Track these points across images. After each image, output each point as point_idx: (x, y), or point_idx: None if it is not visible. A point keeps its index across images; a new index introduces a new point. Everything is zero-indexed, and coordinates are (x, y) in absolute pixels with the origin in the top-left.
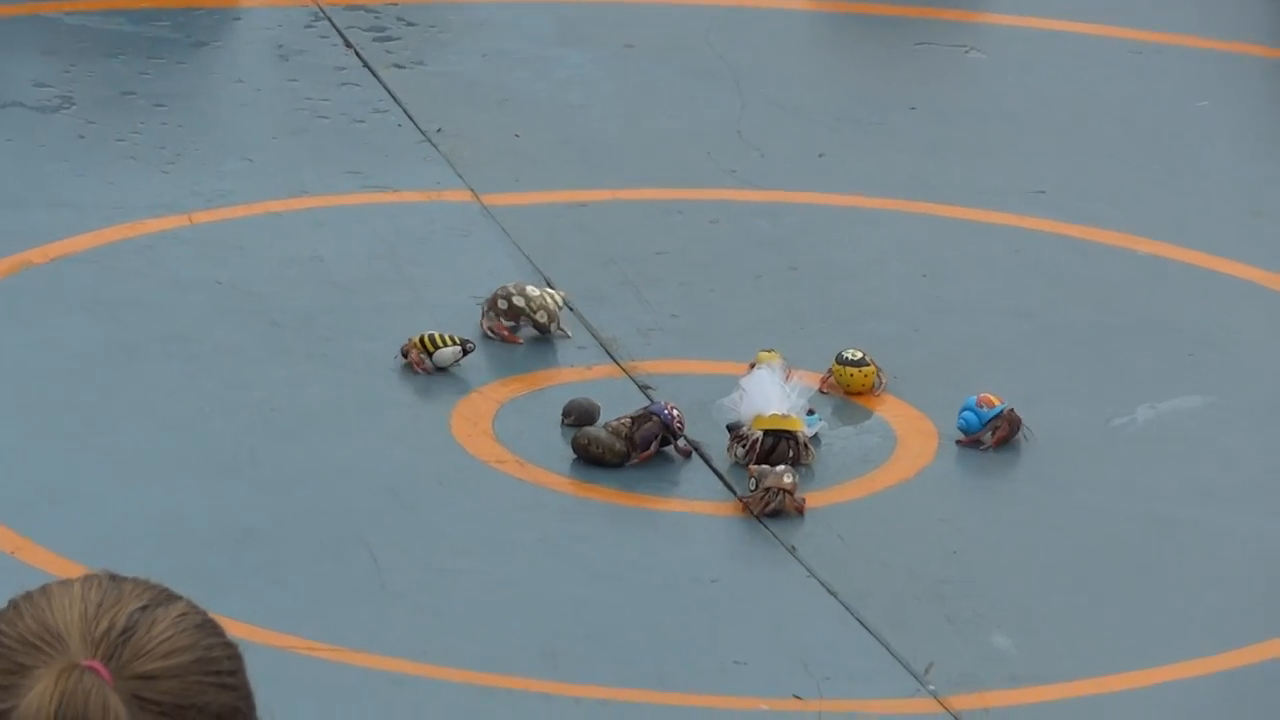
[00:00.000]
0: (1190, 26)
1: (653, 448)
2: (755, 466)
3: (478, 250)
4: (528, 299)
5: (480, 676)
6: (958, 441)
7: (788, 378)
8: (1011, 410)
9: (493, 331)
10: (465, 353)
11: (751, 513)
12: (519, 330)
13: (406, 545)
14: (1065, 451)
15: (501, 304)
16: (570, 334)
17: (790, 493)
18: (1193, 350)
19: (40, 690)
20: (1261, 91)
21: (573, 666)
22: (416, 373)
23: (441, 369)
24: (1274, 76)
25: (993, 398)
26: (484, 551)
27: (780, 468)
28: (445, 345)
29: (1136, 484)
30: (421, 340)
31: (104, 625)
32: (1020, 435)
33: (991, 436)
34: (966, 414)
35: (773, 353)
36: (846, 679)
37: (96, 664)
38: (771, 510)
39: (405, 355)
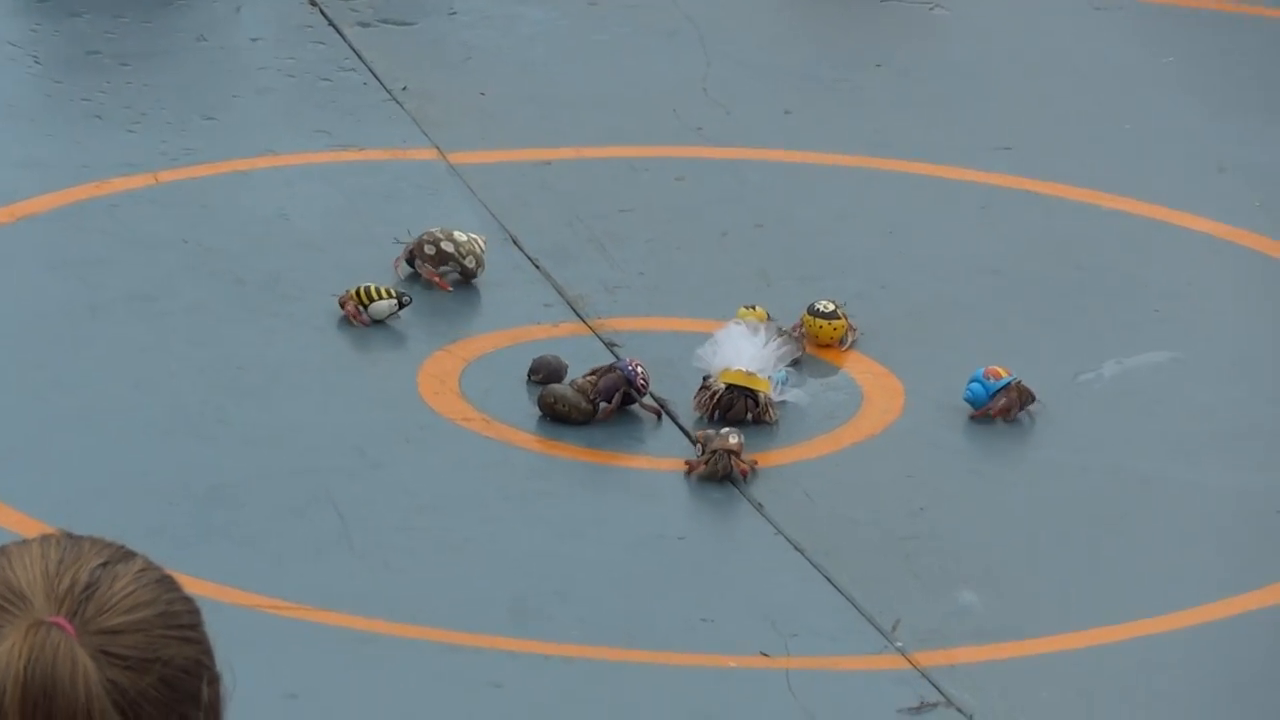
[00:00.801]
0: None
1: (615, 400)
2: (701, 431)
3: (444, 208)
4: (456, 244)
5: (447, 634)
6: (970, 416)
7: (770, 336)
8: (1019, 382)
9: (418, 276)
10: (401, 306)
11: (697, 477)
12: (446, 276)
13: (373, 503)
14: (1034, 405)
15: (429, 249)
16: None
17: (736, 454)
18: (1158, 306)
19: (7, 648)
20: (1225, 46)
21: (540, 624)
22: (352, 324)
23: (378, 321)
24: (1237, 31)
25: (1000, 370)
26: (451, 509)
27: (725, 430)
28: (382, 298)
29: (1103, 440)
30: (358, 292)
31: (66, 582)
32: (1031, 408)
33: (998, 406)
34: (973, 385)
35: (756, 310)
36: (813, 636)
37: (61, 620)
38: (719, 474)
39: (342, 306)
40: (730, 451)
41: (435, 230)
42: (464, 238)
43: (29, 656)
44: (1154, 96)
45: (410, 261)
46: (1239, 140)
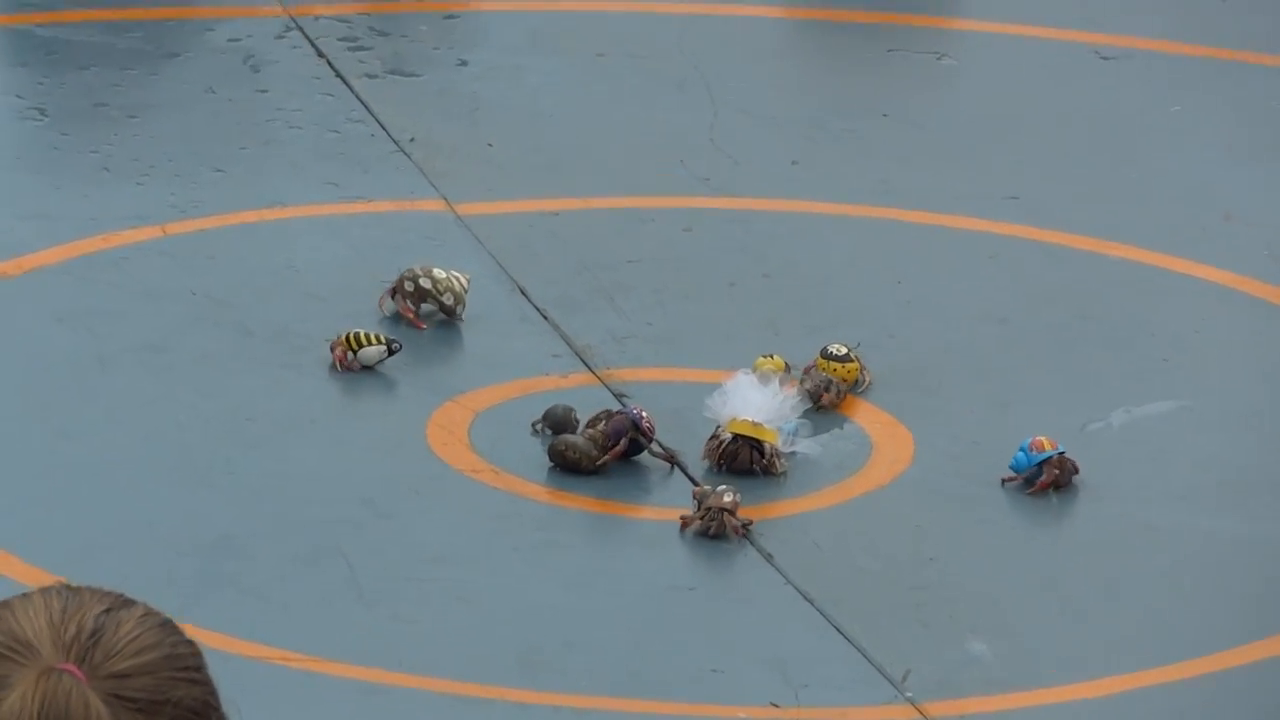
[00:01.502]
0: (1160, 32)
1: (621, 444)
2: (698, 487)
3: (451, 259)
4: (434, 280)
5: (457, 685)
6: (1003, 480)
7: (785, 387)
8: (1063, 455)
9: (399, 314)
10: (391, 352)
11: (691, 533)
12: (421, 315)
13: (382, 554)
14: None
15: (408, 285)
16: (463, 319)
17: (731, 512)
18: (1166, 355)
19: (19, 696)
20: (1232, 95)
21: (550, 675)
22: (339, 370)
23: (366, 367)
24: (1245, 80)
25: (1045, 441)
26: (460, 560)
27: (721, 487)
28: (371, 344)
29: (1112, 489)
30: (348, 338)
31: (72, 630)
32: (1073, 481)
33: (1038, 482)
34: (1019, 455)
35: (774, 359)
36: (824, 686)
37: (70, 666)
38: (712, 532)
39: (332, 350)
40: (723, 509)
41: (415, 268)
42: (442, 274)
43: (42, 703)
44: (1161, 145)
45: (393, 298)
46: (1247, 188)
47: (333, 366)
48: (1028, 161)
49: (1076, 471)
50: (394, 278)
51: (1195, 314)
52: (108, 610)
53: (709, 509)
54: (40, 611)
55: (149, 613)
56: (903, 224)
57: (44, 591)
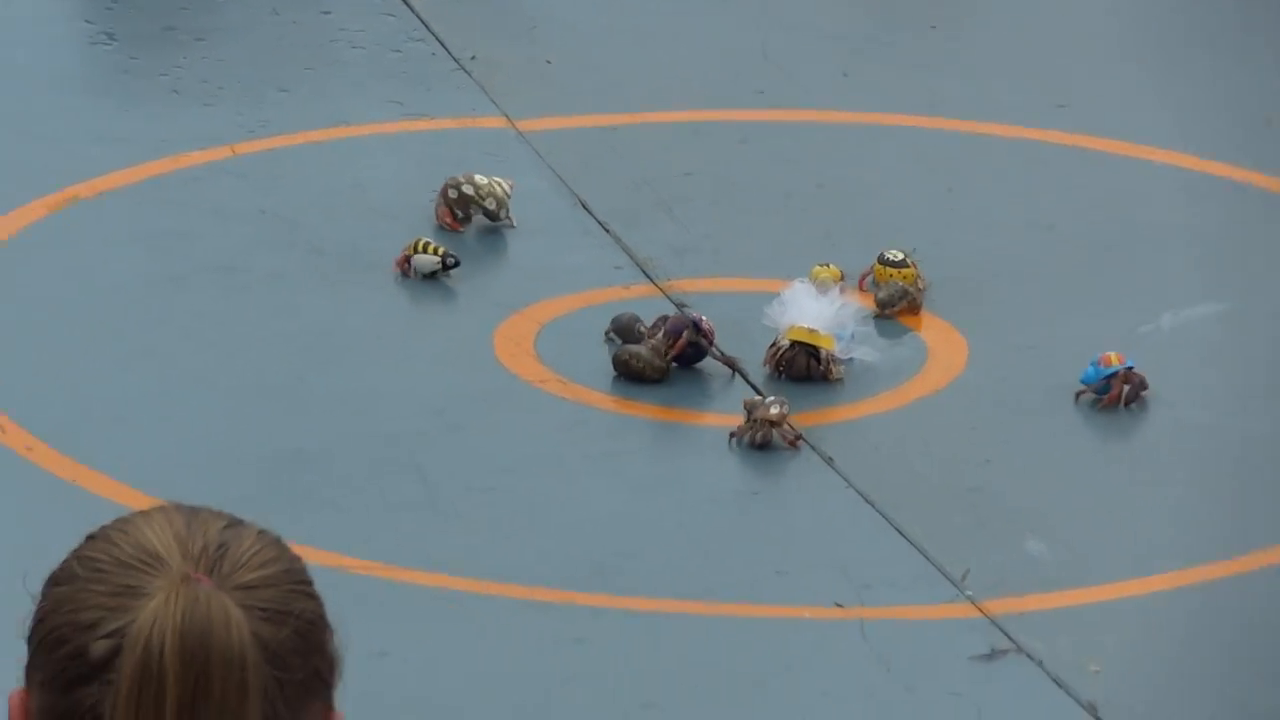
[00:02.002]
0: None
1: (683, 339)
2: (749, 398)
3: (513, 175)
4: (476, 187)
5: (531, 591)
6: (1077, 394)
7: (842, 294)
8: (1130, 370)
9: (439, 219)
10: (445, 265)
11: (738, 444)
12: (466, 222)
13: (454, 465)
14: (1085, 352)
15: (451, 193)
16: (515, 224)
17: (778, 424)
18: (1213, 258)
19: (157, 604)
20: (1274, 4)
21: (620, 580)
22: (399, 276)
23: (427, 275)
24: None
25: (1113, 356)
26: (530, 470)
27: (770, 399)
28: (429, 253)
29: (1163, 391)
30: (415, 243)
31: (199, 543)
32: (1141, 395)
33: (1106, 395)
34: (1089, 369)
35: (830, 268)
36: (886, 586)
37: (202, 576)
38: (759, 443)
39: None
40: (770, 421)
41: (458, 176)
42: (484, 180)
43: (183, 609)
44: (1203, 52)
45: (441, 202)
46: None
47: (397, 276)
48: (1072, 71)
49: (1145, 387)
50: (439, 186)
51: (1239, 218)
52: (227, 526)
53: (757, 420)
54: (165, 526)
55: (263, 531)
56: (951, 134)
57: (163, 509)
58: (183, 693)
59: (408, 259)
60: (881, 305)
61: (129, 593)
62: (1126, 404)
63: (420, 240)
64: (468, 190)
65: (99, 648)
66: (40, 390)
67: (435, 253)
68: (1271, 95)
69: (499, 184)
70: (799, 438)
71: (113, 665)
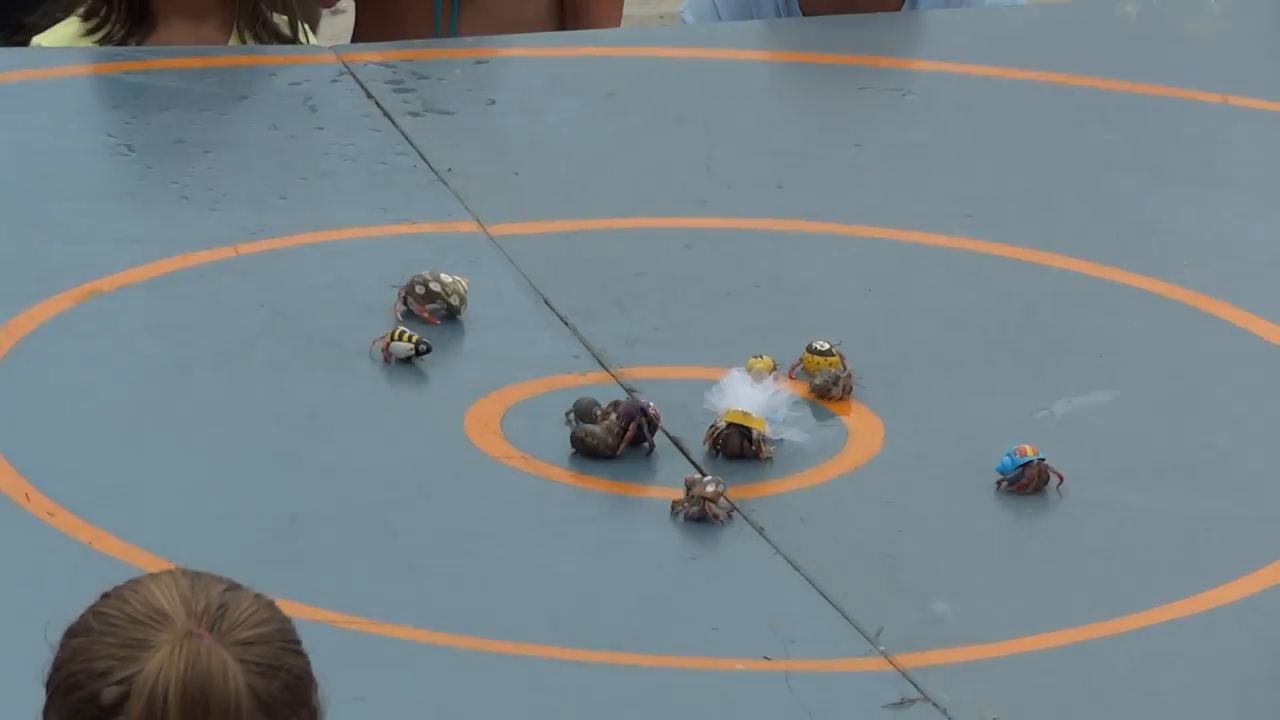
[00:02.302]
0: (1093, 70)
1: (631, 428)
2: (688, 476)
3: (484, 274)
4: (443, 284)
5: (496, 644)
6: (997, 483)
7: (768, 381)
8: (1042, 462)
9: (414, 314)
10: (418, 352)
11: (679, 517)
12: (436, 313)
13: (428, 530)
14: (996, 441)
15: (419, 289)
16: (464, 316)
17: (713, 501)
18: (1102, 353)
19: (163, 655)
20: (1160, 126)
21: (574, 634)
22: (380, 359)
23: (400, 360)
24: (1172, 112)
25: (1028, 448)
26: (496, 535)
27: (708, 479)
28: (404, 341)
29: (1058, 469)
30: (393, 332)
31: (202, 603)
32: (1051, 487)
33: (1019, 482)
34: (1005, 459)
35: (764, 359)
36: (809, 642)
37: (204, 632)
38: (696, 516)
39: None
40: (705, 498)
41: (424, 273)
42: (449, 279)
43: (186, 660)
44: (1095, 169)
45: (405, 301)
46: (1170, 206)
47: (378, 359)
48: (979, 184)
49: (1051, 477)
50: (403, 284)
51: (1126, 316)
52: (227, 589)
53: (694, 495)
54: (171, 587)
55: (259, 594)
56: (873, 240)
57: (170, 572)
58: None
59: (388, 345)
60: (818, 391)
61: (138, 645)
62: (1035, 490)
63: (398, 329)
64: (435, 287)
65: (110, 693)
66: (62, 463)
67: (410, 340)
68: (1154, 209)
69: (460, 282)
70: (732, 511)
71: (122, 709)
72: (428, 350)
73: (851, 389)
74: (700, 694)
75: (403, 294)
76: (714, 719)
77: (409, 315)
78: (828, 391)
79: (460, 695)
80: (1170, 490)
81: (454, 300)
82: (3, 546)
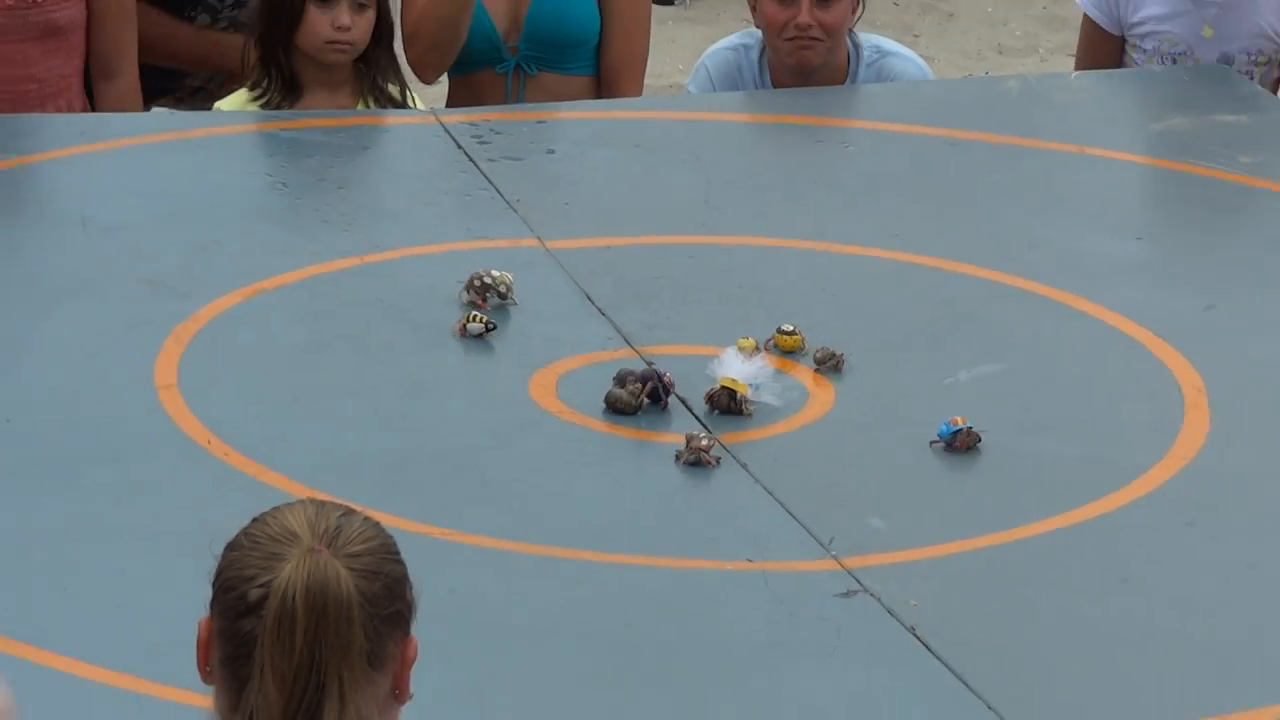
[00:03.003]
0: (989, 128)
1: (648, 386)
2: (687, 433)
3: (542, 276)
4: (493, 278)
5: (547, 549)
6: (931, 443)
7: (754, 356)
8: (970, 429)
9: (474, 300)
10: (487, 329)
11: (680, 461)
12: (490, 301)
13: (501, 466)
14: (917, 400)
15: (477, 283)
16: (517, 302)
17: (706, 451)
18: (992, 335)
19: (292, 566)
20: (1034, 169)
21: (605, 542)
22: (459, 336)
23: (474, 337)
24: (1042, 159)
25: (959, 419)
26: (550, 469)
27: (702, 433)
28: (476, 323)
29: (972, 424)
30: (467, 316)
31: (323, 525)
32: (975, 447)
33: (953, 445)
34: (943, 425)
35: (748, 340)
36: (780, 549)
37: (323, 548)
38: (691, 462)
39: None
40: (700, 449)
41: (479, 270)
42: (498, 274)
43: (309, 570)
44: (988, 201)
45: (468, 290)
46: (1042, 225)
47: (458, 338)
48: (905, 212)
49: (979, 439)
50: (466, 278)
51: (1009, 308)
52: (343, 514)
53: (692, 447)
54: (300, 514)
55: (368, 518)
56: (827, 253)
57: (301, 501)
58: (307, 625)
59: (464, 326)
60: (819, 359)
61: (275, 558)
62: (966, 450)
63: (471, 314)
64: (488, 280)
65: (254, 594)
66: (235, 416)
67: (481, 321)
68: (1031, 227)
69: (505, 275)
70: (719, 458)
71: (263, 606)
72: (494, 328)
73: (842, 364)
74: (700, 586)
75: (466, 285)
76: (710, 605)
77: (471, 303)
78: (830, 358)
79: (521, 587)
80: (1044, 437)
81: (501, 289)
82: (191, 480)
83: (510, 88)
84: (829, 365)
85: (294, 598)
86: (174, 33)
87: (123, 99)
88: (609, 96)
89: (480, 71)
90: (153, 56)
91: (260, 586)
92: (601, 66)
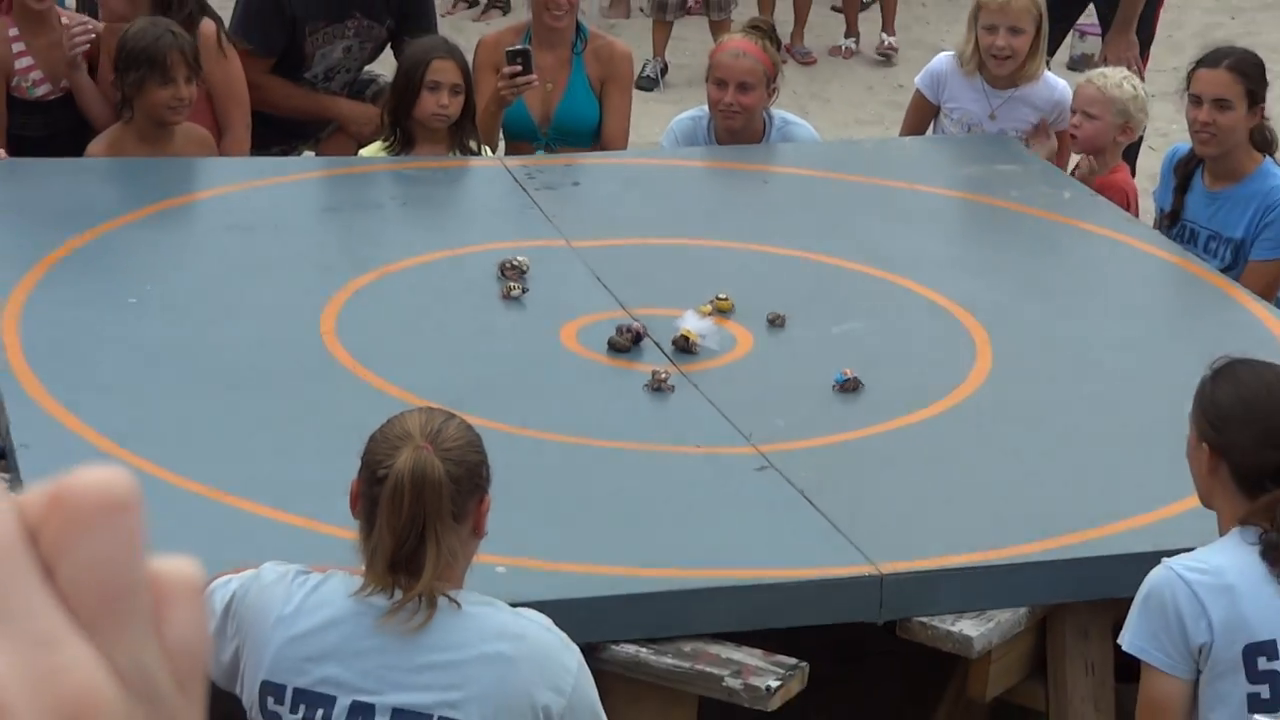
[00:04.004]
0: (862, 171)
1: (631, 333)
2: (654, 368)
3: (567, 265)
4: (520, 261)
5: (568, 438)
6: (833, 387)
7: (705, 317)
8: (855, 378)
9: (505, 274)
10: (523, 291)
11: (647, 387)
12: (524, 281)
13: (537, 388)
14: (807, 344)
15: (507, 263)
16: (527, 283)
17: (664, 380)
18: (855, 303)
19: (404, 457)
20: (889, 200)
21: (603, 433)
22: (505, 298)
23: (513, 299)
24: (896, 192)
25: (849, 370)
26: (572, 388)
27: (664, 371)
28: (516, 291)
29: (838, 358)
30: (509, 287)
31: (430, 428)
32: (858, 390)
33: (843, 388)
34: (838, 373)
35: (705, 307)
36: (715, 440)
37: (427, 445)
38: (655, 388)
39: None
40: (661, 381)
41: (509, 258)
42: (522, 258)
43: (414, 461)
44: (862, 218)
45: (500, 270)
46: (904, 240)
47: (504, 298)
48: (809, 226)
49: (859, 386)
50: (501, 264)
51: (868, 288)
52: (445, 419)
53: (655, 379)
54: (415, 419)
55: (461, 421)
56: (759, 253)
57: (416, 409)
58: (411, 498)
59: (509, 292)
60: (769, 321)
61: (393, 452)
62: (854, 391)
63: (509, 285)
64: (516, 263)
65: (381, 472)
66: (375, 352)
67: (519, 288)
68: (899, 240)
69: (525, 259)
70: (674, 386)
71: (385, 481)
72: (526, 291)
73: (785, 320)
74: (664, 463)
75: (500, 266)
76: (669, 474)
77: (502, 276)
78: (777, 318)
79: (550, 459)
80: (887, 370)
81: (523, 267)
82: (350, 401)
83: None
84: (776, 323)
85: (403, 479)
86: (291, 93)
87: (229, 149)
88: (607, 141)
89: (523, 143)
90: (280, 110)
91: (385, 469)
92: (602, 138)
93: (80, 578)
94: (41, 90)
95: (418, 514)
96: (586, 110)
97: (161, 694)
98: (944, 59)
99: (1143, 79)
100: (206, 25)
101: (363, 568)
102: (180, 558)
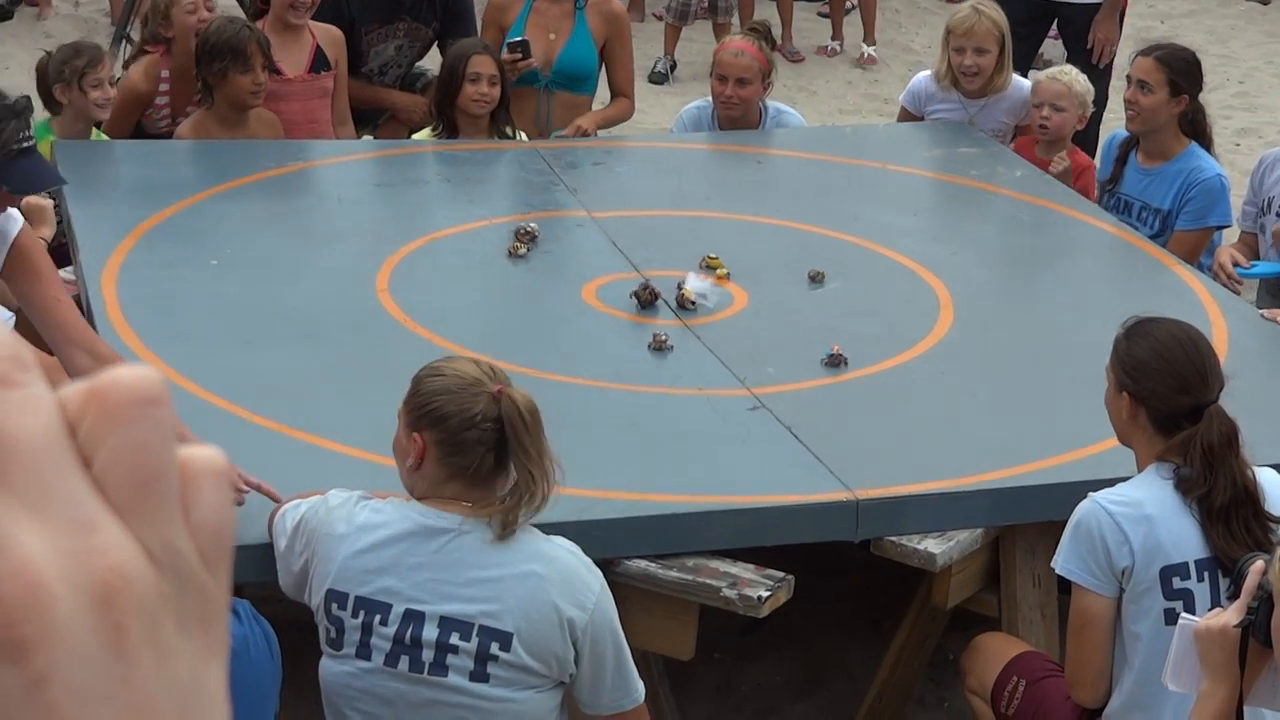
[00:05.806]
0: (845, 153)
1: (651, 291)
2: (655, 333)
3: (588, 234)
4: (531, 228)
5: (591, 382)
6: (821, 361)
7: (705, 277)
8: (841, 354)
9: (519, 238)
10: (519, 254)
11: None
12: (532, 244)
13: (570, 338)
14: (797, 302)
15: (523, 230)
16: (535, 248)
17: (665, 340)
18: (834, 264)
19: (485, 405)
20: (864, 179)
21: (618, 376)
22: (516, 255)
23: (518, 257)
24: (874, 172)
25: (837, 346)
26: (595, 339)
27: (663, 331)
28: (521, 252)
29: (821, 314)
30: (515, 247)
31: (490, 371)
32: (842, 365)
33: (828, 362)
34: (826, 350)
35: (715, 259)
36: (715, 383)
37: (499, 386)
38: (656, 347)
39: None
40: (662, 342)
41: (523, 224)
42: (534, 224)
43: (511, 398)
44: (843, 197)
45: (517, 235)
46: (871, 210)
47: (510, 255)
48: (797, 200)
49: (846, 360)
50: (515, 229)
51: (847, 253)
52: (489, 365)
53: (656, 340)
54: (469, 366)
55: (492, 362)
56: (754, 223)
57: (459, 357)
58: (534, 425)
59: (515, 250)
60: (811, 277)
61: (477, 397)
62: (843, 365)
63: (515, 245)
64: (528, 229)
65: (479, 418)
66: (423, 306)
67: (524, 246)
68: (877, 218)
69: (536, 225)
70: (672, 345)
71: (491, 422)
72: (530, 251)
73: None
74: (671, 406)
75: (515, 234)
76: (676, 414)
77: (515, 239)
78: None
79: (579, 401)
80: (863, 322)
81: (534, 233)
82: (401, 350)
83: (540, 99)
84: (816, 279)
85: (515, 416)
86: (351, 86)
87: (342, 134)
88: (617, 105)
89: (526, 87)
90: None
91: (480, 413)
92: (611, 87)
93: (115, 465)
94: (163, 125)
95: (529, 443)
96: (586, 57)
97: (190, 572)
98: (922, 78)
99: (1112, 61)
100: None
101: (411, 497)
102: (205, 445)
